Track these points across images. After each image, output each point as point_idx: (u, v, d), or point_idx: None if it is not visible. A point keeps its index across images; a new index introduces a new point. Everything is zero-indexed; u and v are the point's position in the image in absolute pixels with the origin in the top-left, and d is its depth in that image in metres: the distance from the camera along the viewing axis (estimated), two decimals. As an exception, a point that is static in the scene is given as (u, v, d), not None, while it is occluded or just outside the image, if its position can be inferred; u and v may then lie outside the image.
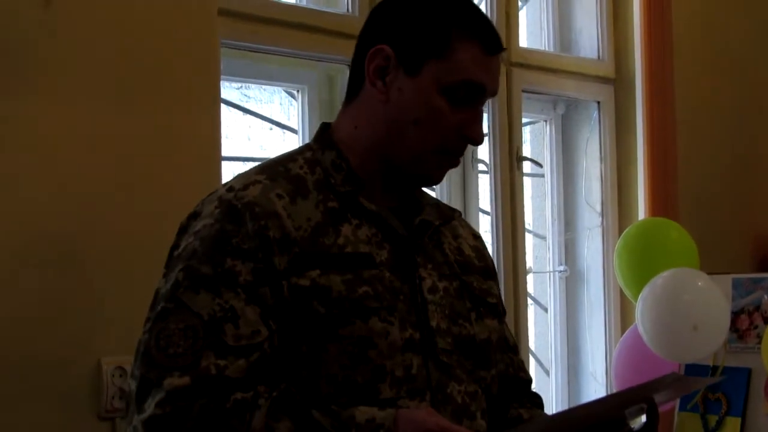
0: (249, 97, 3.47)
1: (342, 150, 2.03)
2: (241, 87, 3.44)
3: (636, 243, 3.99)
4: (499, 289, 2.21)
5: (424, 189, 2.19)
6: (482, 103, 2.01)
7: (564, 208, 4.47)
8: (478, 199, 3.92)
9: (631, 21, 4.39)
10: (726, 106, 4.88)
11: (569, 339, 4.45)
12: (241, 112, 3.40)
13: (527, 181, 4.28)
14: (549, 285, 4.43)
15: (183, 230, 1.97)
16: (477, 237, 2.25)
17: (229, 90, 3.33)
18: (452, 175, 3.86)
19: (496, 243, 3.92)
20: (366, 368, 1.90)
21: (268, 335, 1.87)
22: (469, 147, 3.78)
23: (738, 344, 3.93)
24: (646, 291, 3.74)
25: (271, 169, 2.01)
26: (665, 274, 3.73)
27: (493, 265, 2.24)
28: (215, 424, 1.81)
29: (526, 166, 4.19)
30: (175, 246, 1.96)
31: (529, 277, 4.26)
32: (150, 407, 1.81)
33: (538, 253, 4.43)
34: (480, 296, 2.11)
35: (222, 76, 3.06)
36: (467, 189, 3.90)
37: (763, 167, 5.13)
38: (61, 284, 2.59)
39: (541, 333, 4.39)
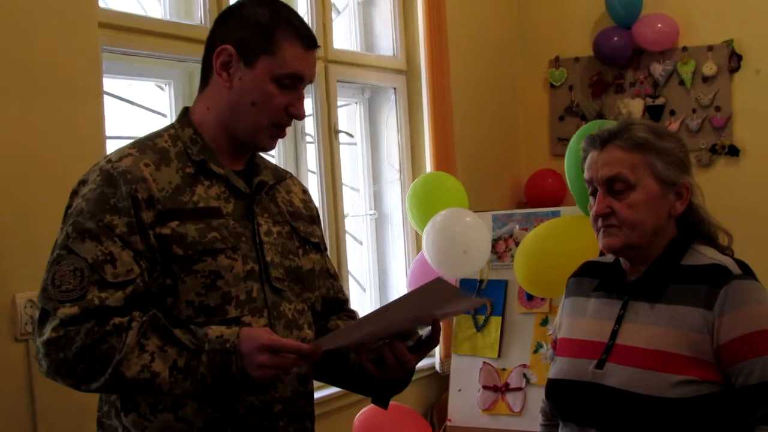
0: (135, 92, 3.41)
1: (197, 128, 2.01)
2: (131, 84, 3.37)
3: (421, 191, 4.02)
4: (321, 232, 2.22)
5: (264, 155, 2.18)
6: (303, 87, 2.01)
7: (372, 168, 4.46)
8: (306, 162, 3.90)
9: (416, 27, 4.37)
10: (490, 87, 4.95)
11: (379, 264, 4.46)
12: (127, 103, 3.34)
13: (344, 148, 4.25)
14: (363, 225, 4.43)
15: (74, 193, 1.95)
16: (305, 192, 2.25)
17: (122, 86, 3.27)
18: (288, 145, 3.85)
19: (321, 195, 3.91)
20: (216, 294, 1.91)
21: (140, 272, 1.86)
22: (299, 124, 3.86)
23: (498, 263, 4.02)
24: (428, 226, 3.79)
25: (141, 144, 1.99)
26: (442, 213, 3.79)
27: (318, 213, 2.25)
28: (98, 342, 1.80)
29: (343, 138, 4.16)
30: (68, 206, 1.93)
31: (349, 220, 4.26)
32: (47, 331, 1.81)
33: (354, 202, 4.41)
34: (305, 237, 2.13)
35: (107, 74, 2.99)
36: (298, 155, 3.87)
37: (519, 133, 5.23)
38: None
39: (358, 261, 4.39)
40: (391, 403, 2.17)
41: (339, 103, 4.17)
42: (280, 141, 3.75)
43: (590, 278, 2.20)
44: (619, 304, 2.09)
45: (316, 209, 2.26)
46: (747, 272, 2.02)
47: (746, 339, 1.93)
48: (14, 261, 2.58)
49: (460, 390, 4.00)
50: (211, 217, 1.94)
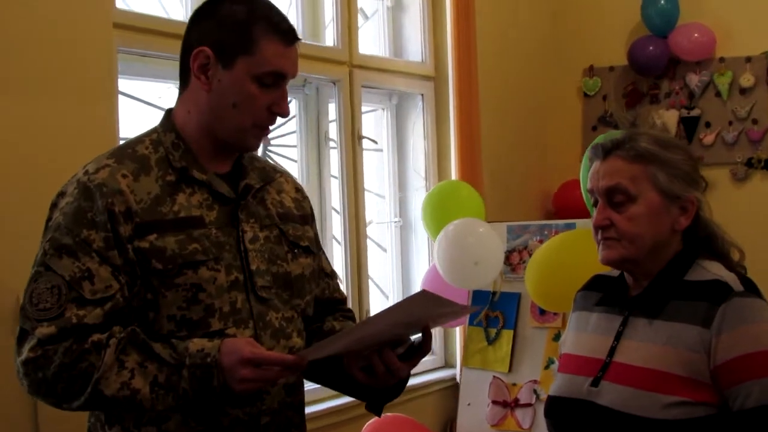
0: (158, 96, 3.38)
1: (180, 131, 1.96)
2: (170, 87, 3.33)
3: (436, 200, 3.97)
4: (314, 232, 2.15)
5: (256, 155, 2.12)
6: (286, 84, 1.95)
7: (398, 174, 4.41)
8: (329, 168, 3.87)
9: (444, 33, 4.33)
10: (519, 95, 4.87)
11: (403, 271, 4.41)
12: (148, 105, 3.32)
13: (370, 155, 4.21)
14: (388, 232, 4.39)
15: (53, 206, 1.91)
16: (299, 190, 2.17)
17: (142, 88, 3.25)
18: (311, 150, 3.84)
19: (343, 201, 3.89)
20: (198, 307, 1.86)
21: (119, 288, 1.82)
22: (323, 129, 3.83)
23: (511, 275, 3.94)
24: (440, 236, 3.74)
25: (120, 153, 1.94)
26: (455, 222, 3.73)
27: (312, 212, 2.17)
28: (76, 361, 1.78)
29: (369, 144, 4.12)
30: (48, 219, 1.90)
31: (373, 226, 4.23)
32: (25, 351, 1.79)
33: (379, 208, 4.37)
34: (294, 241, 2.05)
35: (125, 76, 2.99)
36: (321, 160, 3.84)
37: (550, 142, 5.15)
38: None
39: (382, 268, 4.35)
40: (397, 414, 2.13)
41: (366, 108, 4.14)
42: (303, 145, 3.78)
43: (596, 292, 2.14)
44: (619, 320, 2.02)
45: (311, 208, 2.18)
46: (750, 289, 1.92)
47: (745, 359, 1.84)
48: (19, 260, 2.54)
49: (469, 404, 3.93)
50: (193, 227, 1.88)
